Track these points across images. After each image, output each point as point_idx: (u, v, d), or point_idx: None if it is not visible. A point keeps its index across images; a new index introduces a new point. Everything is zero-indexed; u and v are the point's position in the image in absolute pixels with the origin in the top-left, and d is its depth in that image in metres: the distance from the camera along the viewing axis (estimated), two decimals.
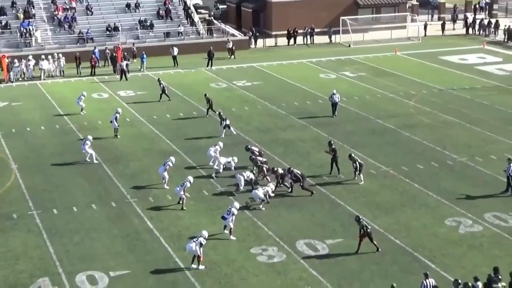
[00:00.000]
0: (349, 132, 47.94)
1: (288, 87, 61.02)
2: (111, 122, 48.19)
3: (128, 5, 78.80)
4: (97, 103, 56.53)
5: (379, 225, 34.28)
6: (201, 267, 30.56)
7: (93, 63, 66.25)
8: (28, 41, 72.39)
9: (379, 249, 31.66)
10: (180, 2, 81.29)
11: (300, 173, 38.16)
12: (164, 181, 39.22)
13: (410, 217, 35.19)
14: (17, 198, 38.31)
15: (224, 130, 47.33)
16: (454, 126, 49.30)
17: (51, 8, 77.17)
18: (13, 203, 37.59)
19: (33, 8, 76.44)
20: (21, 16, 74.88)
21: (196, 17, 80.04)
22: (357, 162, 39.27)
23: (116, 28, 75.25)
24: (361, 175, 39.54)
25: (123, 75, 64.03)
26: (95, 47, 69.44)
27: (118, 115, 48.13)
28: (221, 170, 40.73)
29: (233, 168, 40.70)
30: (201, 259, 30.54)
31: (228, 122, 47.45)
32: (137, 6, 78.94)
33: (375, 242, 31.67)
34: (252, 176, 38.49)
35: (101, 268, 30.73)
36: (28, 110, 54.92)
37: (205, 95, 52.95)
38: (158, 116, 52.45)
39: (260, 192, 36.26)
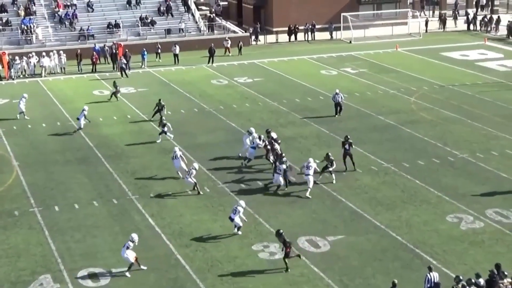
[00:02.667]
0: (350, 129, 47.81)
1: (289, 84, 61.01)
2: (78, 119, 48.98)
3: (129, 2, 78.75)
4: (98, 100, 56.48)
5: (381, 221, 34.27)
6: (143, 267, 30.42)
7: (94, 60, 66.25)
8: (29, 38, 72.36)
9: (288, 270, 30.20)
10: None
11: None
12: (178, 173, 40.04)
13: (411, 214, 35.16)
14: (19, 195, 38.33)
15: (160, 136, 46.25)
16: (455, 122, 49.25)
17: (51, 5, 77.13)
18: (15, 200, 37.62)
19: (34, 5, 76.39)
20: (22, 13, 74.86)
21: (197, 14, 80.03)
22: (333, 163, 39.04)
23: (117, 25, 75.25)
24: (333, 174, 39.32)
25: (123, 72, 64.02)
26: (104, 44, 69.96)
27: (85, 113, 48.93)
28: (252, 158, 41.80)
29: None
30: (136, 261, 30.15)
31: (165, 129, 46.11)
32: (137, 2, 78.89)
33: (286, 261, 30.15)
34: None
35: (103, 265, 30.74)
36: (29, 107, 54.82)
37: (159, 100, 51.33)
38: None
39: (281, 177, 37.64)
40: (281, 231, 30.61)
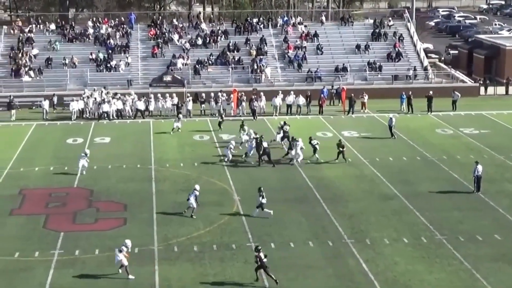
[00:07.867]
0: None
1: None
2: (188, 200, 41.00)
3: (358, 46, 79.25)
4: (321, 142, 56.80)
5: None
6: (131, 276, 32.95)
7: (321, 102, 66.99)
8: (258, 77, 74.40)
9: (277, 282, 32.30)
10: (411, 46, 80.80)
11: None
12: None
13: None
14: (237, 229, 39.16)
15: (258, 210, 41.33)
16: None
17: (282, 46, 79.09)
18: (233, 234, 38.45)
19: (266, 45, 78.60)
20: (254, 52, 77.19)
21: (425, 61, 79.19)
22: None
23: (344, 69, 75.81)
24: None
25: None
26: (332, 86, 70.94)
27: (197, 193, 41.00)
28: None
29: None
30: (127, 268, 32.97)
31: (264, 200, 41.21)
32: (367, 47, 79.22)
33: (271, 275, 32.47)
34: None
35: None
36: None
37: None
38: (381, 159, 51.99)
39: None
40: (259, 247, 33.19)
